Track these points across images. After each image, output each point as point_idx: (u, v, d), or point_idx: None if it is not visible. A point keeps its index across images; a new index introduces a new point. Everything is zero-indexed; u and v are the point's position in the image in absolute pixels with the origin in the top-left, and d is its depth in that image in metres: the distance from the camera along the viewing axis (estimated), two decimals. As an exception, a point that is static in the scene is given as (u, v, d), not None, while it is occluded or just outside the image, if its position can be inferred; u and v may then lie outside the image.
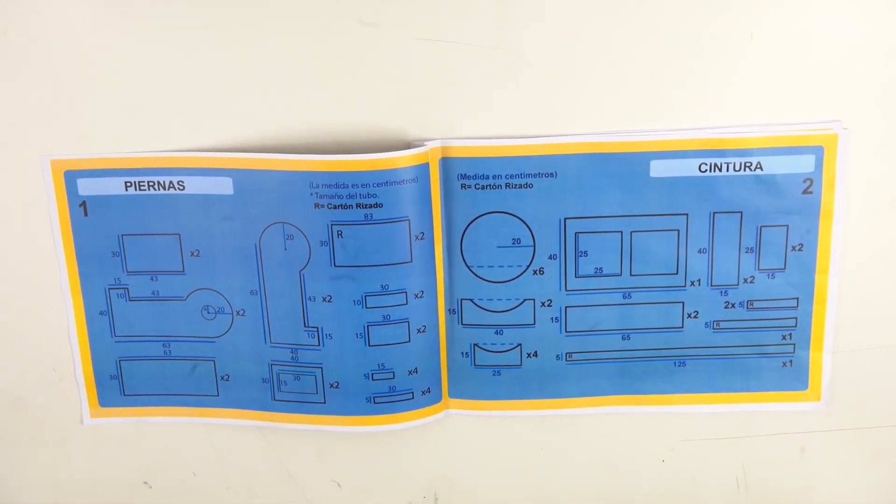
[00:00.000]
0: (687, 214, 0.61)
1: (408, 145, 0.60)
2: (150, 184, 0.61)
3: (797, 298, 0.63)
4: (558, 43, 0.58)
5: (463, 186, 0.61)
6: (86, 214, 0.63)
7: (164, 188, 0.61)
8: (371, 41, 0.58)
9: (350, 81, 0.59)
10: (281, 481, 0.70)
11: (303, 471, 0.70)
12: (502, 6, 0.57)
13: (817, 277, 0.62)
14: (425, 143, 0.59)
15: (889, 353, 0.65)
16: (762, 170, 0.60)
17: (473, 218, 0.62)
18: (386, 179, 0.58)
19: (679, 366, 0.65)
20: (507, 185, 0.61)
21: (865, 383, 0.66)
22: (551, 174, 0.60)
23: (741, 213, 0.61)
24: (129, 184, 0.61)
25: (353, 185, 0.59)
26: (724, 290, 0.63)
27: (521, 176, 0.61)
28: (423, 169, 0.59)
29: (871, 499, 0.69)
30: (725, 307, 0.63)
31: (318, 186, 0.59)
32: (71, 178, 0.62)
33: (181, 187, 0.61)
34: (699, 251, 0.62)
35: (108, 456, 0.69)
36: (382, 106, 0.60)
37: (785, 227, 0.61)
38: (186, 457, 0.70)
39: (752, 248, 0.62)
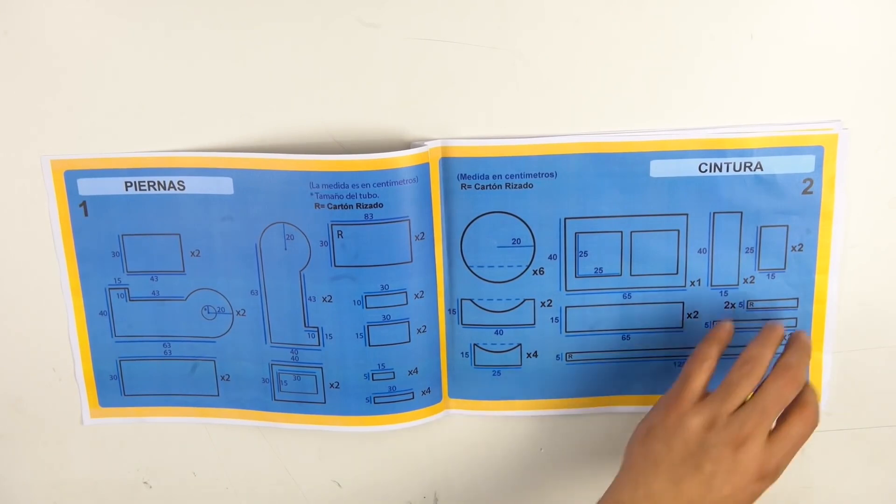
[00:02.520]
0: (687, 214, 0.61)
1: (408, 145, 0.60)
2: (151, 184, 0.61)
3: (797, 299, 0.63)
4: (558, 43, 0.58)
5: (463, 186, 0.61)
6: (86, 214, 0.63)
7: (165, 188, 0.61)
8: (371, 41, 0.58)
9: (350, 81, 0.59)
10: (281, 481, 0.70)
11: (303, 471, 0.70)
12: (502, 6, 0.57)
13: (817, 277, 0.62)
14: (425, 143, 0.59)
15: (889, 353, 0.65)
16: (762, 170, 0.60)
17: (473, 218, 0.62)
18: (386, 179, 0.58)
19: (679, 366, 0.65)
20: (507, 185, 0.61)
21: (865, 383, 0.66)
22: (551, 174, 0.60)
23: (741, 213, 0.61)
24: (129, 184, 0.61)
25: (353, 186, 0.59)
26: (724, 291, 0.63)
27: (521, 176, 0.61)
28: (423, 169, 0.59)
29: (871, 499, 0.69)
30: (725, 307, 0.63)
31: (318, 186, 0.59)
32: (71, 177, 0.62)
33: (181, 187, 0.61)
34: (699, 251, 0.62)
35: (108, 456, 0.70)
36: (382, 106, 0.60)
37: (785, 228, 0.61)
38: (186, 457, 0.70)
39: (752, 249, 0.62)
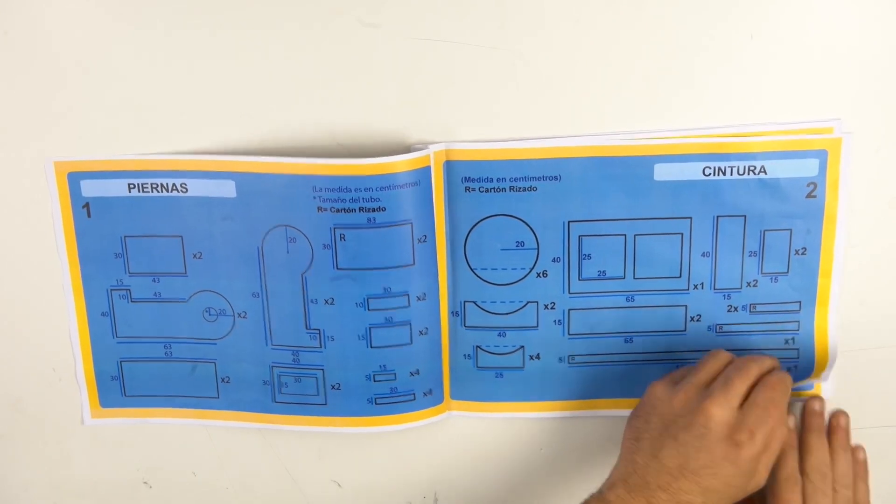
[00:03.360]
0: (690, 218, 0.61)
1: (408, 147, 0.60)
2: (154, 186, 0.61)
3: (800, 302, 0.63)
4: (559, 44, 0.58)
5: (467, 189, 0.61)
6: (89, 216, 0.62)
7: (168, 190, 0.61)
8: (371, 42, 0.58)
9: (351, 83, 0.59)
10: (281, 481, 0.70)
11: (303, 471, 0.70)
12: (502, 7, 0.57)
13: (820, 281, 0.63)
14: (428, 146, 0.59)
15: (889, 353, 0.65)
16: (766, 174, 0.60)
17: (477, 221, 0.62)
18: (388, 183, 0.58)
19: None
20: (510, 189, 0.61)
21: (866, 384, 0.66)
22: (555, 177, 0.60)
23: (744, 216, 0.61)
24: (132, 185, 0.61)
25: (355, 189, 0.58)
26: (727, 294, 0.63)
27: (524, 179, 0.60)
28: (425, 172, 0.59)
29: (871, 499, 0.69)
30: (728, 311, 0.63)
31: (320, 190, 0.59)
32: (74, 179, 0.62)
33: (184, 189, 0.61)
34: (702, 255, 0.62)
35: (109, 456, 0.69)
36: (384, 107, 0.60)
37: (788, 231, 0.61)
38: (186, 457, 0.70)
39: (755, 252, 0.62)
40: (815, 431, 0.63)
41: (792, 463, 0.62)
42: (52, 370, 0.67)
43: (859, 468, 0.65)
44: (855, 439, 0.67)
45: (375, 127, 0.60)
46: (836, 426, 0.64)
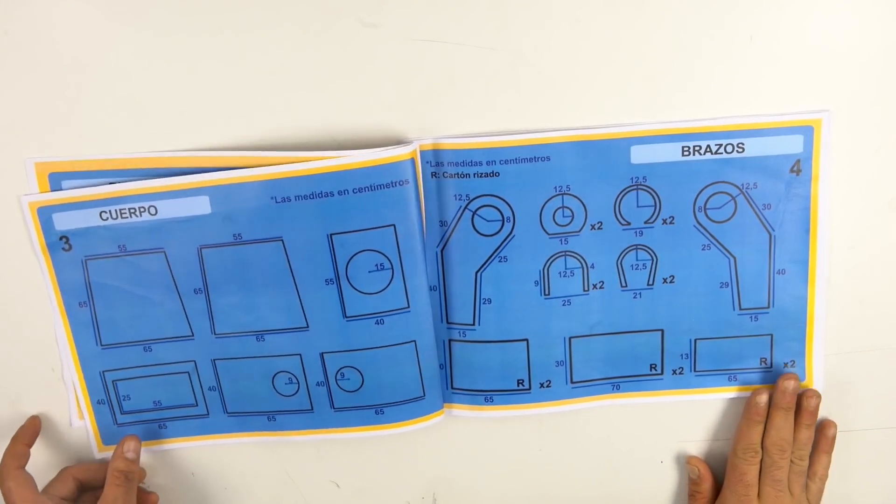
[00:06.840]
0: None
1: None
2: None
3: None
4: (558, 43, 0.58)
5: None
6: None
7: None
8: (371, 41, 0.58)
9: (349, 82, 0.59)
10: (281, 481, 0.70)
11: (302, 471, 0.70)
12: (501, 8, 0.57)
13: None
14: (413, 141, 0.59)
15: (888, 354, 0.65)
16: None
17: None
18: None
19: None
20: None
21: (864, 384, 0.66)
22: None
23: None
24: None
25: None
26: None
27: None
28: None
29: (871, 499, 0.69)
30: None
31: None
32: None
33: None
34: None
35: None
36: (384, 107, 0.59)
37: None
38: (186, 457, 0.70)
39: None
40: (783, 409, 0.64)
41: (754, 437, 0.64)
42: (52, 370, 0.67)
43: (826, 442, 0.66)
44: (854, 440, 0.67)
45: (373, 126, 0.60)
46: (804, 407, 0.64)
